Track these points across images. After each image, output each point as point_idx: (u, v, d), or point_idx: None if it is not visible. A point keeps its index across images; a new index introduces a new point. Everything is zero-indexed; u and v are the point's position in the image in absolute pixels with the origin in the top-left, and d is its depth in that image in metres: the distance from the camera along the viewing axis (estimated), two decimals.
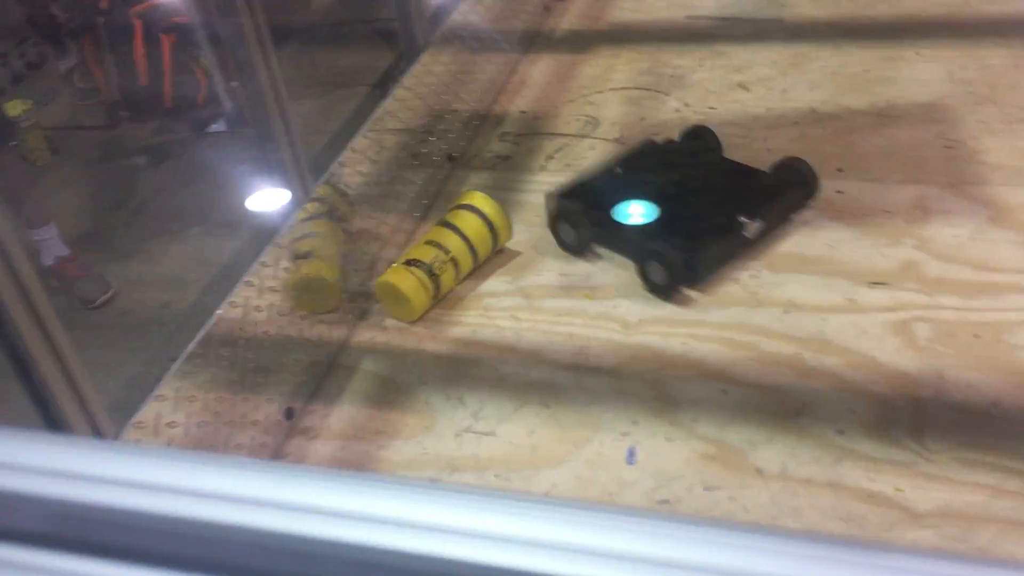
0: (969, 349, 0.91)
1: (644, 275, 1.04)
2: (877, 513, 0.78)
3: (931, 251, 1.03)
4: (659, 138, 1.24)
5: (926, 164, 1.16)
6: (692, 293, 1.04)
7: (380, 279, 1.06)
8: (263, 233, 1.04)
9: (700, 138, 1.22)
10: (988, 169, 1.13)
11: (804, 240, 1.08)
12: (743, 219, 1.04)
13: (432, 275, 1.06)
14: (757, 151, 1.24)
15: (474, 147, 1.36)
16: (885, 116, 1.27)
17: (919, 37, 1.42)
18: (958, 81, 1.31)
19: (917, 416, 0.86)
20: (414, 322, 1.06)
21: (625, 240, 1.09)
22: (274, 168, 1.04)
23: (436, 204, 1.26)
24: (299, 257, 0.99)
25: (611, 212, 1.10)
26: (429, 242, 1.08)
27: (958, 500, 0.78)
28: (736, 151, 1.25)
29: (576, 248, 1.11)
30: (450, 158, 1.32)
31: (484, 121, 1.42)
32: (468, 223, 1.09)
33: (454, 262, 1.08)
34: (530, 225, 1.17)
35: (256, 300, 0.92)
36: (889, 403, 0.88)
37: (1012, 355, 0.90)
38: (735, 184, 1.14)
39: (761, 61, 1.44)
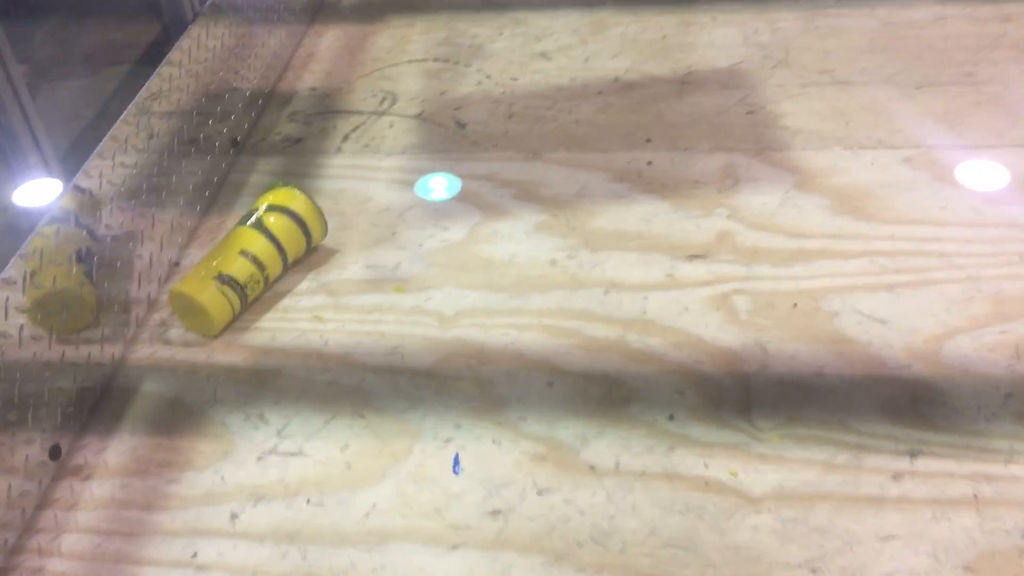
0: (788, 319, 0.90)
1: None
2: (715, 501, 0.75)
3: (744, 220, 1.01)
4: None
5: (731, 131, 1.15)
6: (509, 277, 0.97)
7: (177, 287, 0.93)
8: (5, 244, 0.88)
9: None
10: (789, 134, 1.13)
11: (619, 215, 1.04)
12: None
13: (243, 295, 0.94)
14: (564, 123, 1.19)
15: (260, 129, 1.24)
16: (687, 83, 1.25)
17: (713, 1, 1.41)
18: (753, 45, 1.31)
19: (745, 394, 0.83)
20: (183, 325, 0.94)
21: None
22: (16, 166, 0.88)
23: (221, 195, 1.13)
24: (32, 277, 0.83)
25: None
26: (243, 252, 0.95)
27: (792, 480, 0.76)
28: (542, 124, 1.19)
29: None
30: (234, 143, 1.18)
31: (269, 100, 1.29)
32: (285, 230, 0.97)
33: (267, 279, 0.96)
34: (329, 213, 1.07)
35: (0, 324, 0.77)
36: (716, 382, 0.85)
37: (830, 322, 0.89)
38: None
39: (561, 28, 1.39)
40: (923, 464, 0.76)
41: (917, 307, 0.89)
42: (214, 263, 0.94)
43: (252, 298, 0.96)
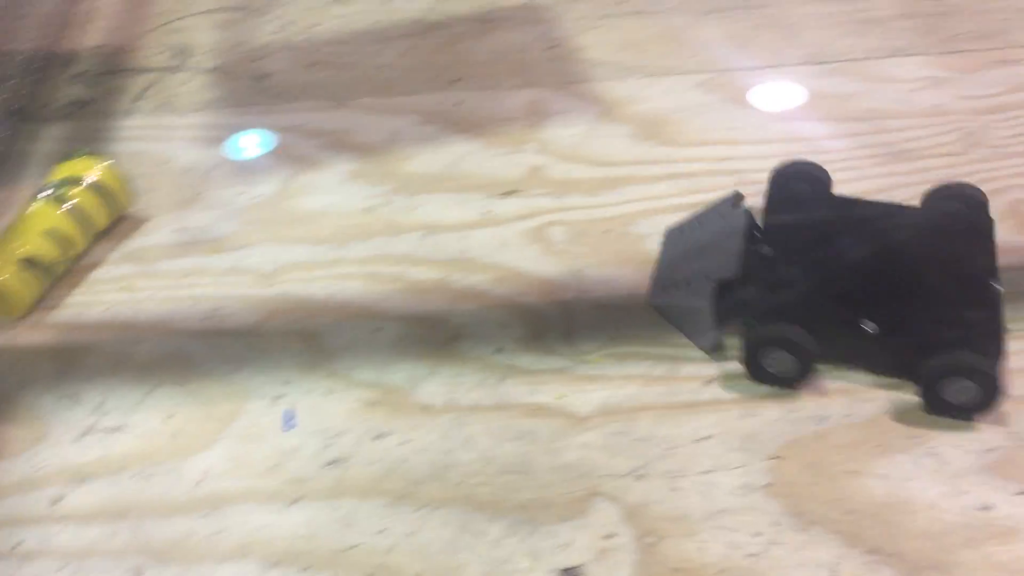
0: (602, 245, 0.93)
1: (931, 396, 0.75)
2: (545, 425, 0.78)
3: (553, 153, 1.04)
4: (741, 191, 0.91)
5: (535, 66, 1.17)
6: (326, 228, 0.96)
7: None
8: None
9: (805, 178, 0.90)
10: (591, 66, 1.16)
11: (431, 157, 1.04)
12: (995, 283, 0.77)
13: (49, 275, 0.88)
14: (368, 68, 1.18)
15: (42, 94, 1.15)
16: (489, 21, 1.26)
17: None
18: None
19: (566, 320, 0.87)
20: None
21: (885, 352, 0.77)
22: None
23: (5, 167, 1.05)
24: None
25: (839, 318, 0.77)
26: (47, 232, 0.89)
27: (615, 396, 0.80)
28: (346, 70, 1.17)
29: (796, 377, 0.78)
30: (15, 110, 1.10)
31: (50, 62, 1.20)
32: (89, 203, 0.92)
33: (74, 256, 0.91)
34: (128, 178, 1.01)
35: None
36: (539, 312, 0.87)
37: (639, 244, 0.93)
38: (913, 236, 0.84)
39: None
40: (731, 367, 0.81)
41: None
42: (13, 244, 0.87)
43: (59, 277, 0.91)
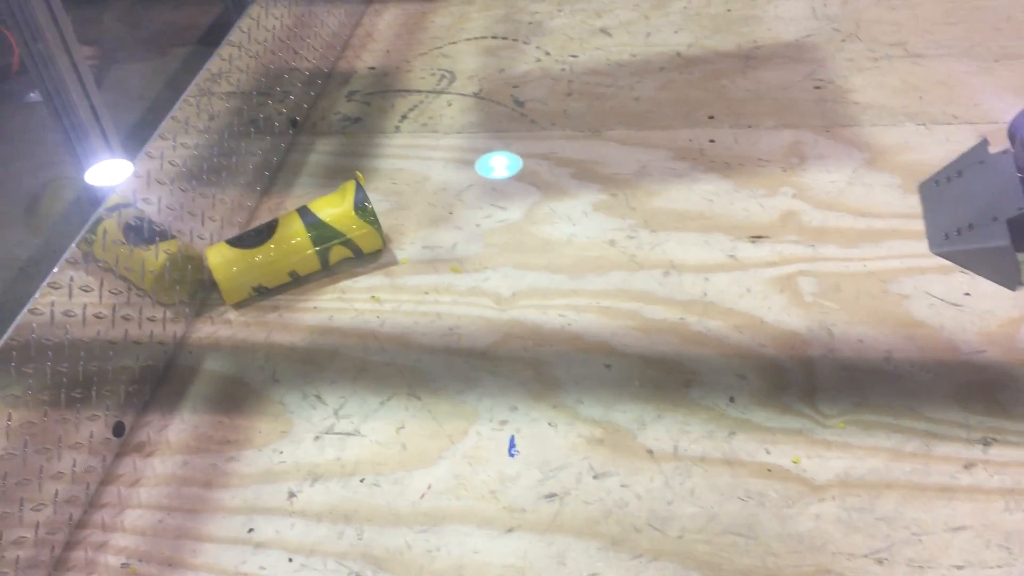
0: (856, 301, 0.87)
1: None
2: (776, 488, 0.73)
3: (810, 199, 0.98)
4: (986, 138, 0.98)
5: (798, 107, 1.11)
6: (567, 258, 0.96)
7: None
8: (75, 223, 0.90)
9: None
10: (859, 109, 1.10)
11: (680, 194, 1.02)
12: None
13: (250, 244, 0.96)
14: (624, 100, 1.17)
15: (319, 109, 1.24)
16: (752, 58, 1.21)
17: None
18: (822, 17, 1.27)
19: (809, 378, 0.81)
20: (237, 306, 0.96)
21: None
22: (81, 146, 0.89)
23: (280, 175, 1.13)
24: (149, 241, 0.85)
25: None
26: (292, 272, 0.98)
27: (858, 467, 0.74)
28: (602, 101, 1.17)
29: None
30: (293, 123, 1.19)
31: (329, 80, 1.29)
32: (337, 253, 0.98)
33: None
34: (387, 193, 1.07)
35: (65, 304, 0.78)
36: (779, 366, 0.82)
37: (899, 305, 0.86)
38: None
39: (622, 4, 1.37)
40: (997, 453, 0.73)
41: (993, 290, 0.86)
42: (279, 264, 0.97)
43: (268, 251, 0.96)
